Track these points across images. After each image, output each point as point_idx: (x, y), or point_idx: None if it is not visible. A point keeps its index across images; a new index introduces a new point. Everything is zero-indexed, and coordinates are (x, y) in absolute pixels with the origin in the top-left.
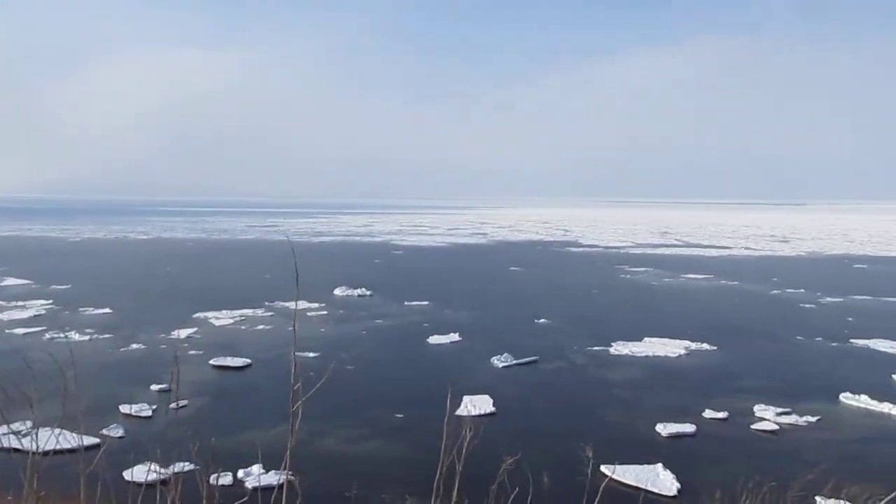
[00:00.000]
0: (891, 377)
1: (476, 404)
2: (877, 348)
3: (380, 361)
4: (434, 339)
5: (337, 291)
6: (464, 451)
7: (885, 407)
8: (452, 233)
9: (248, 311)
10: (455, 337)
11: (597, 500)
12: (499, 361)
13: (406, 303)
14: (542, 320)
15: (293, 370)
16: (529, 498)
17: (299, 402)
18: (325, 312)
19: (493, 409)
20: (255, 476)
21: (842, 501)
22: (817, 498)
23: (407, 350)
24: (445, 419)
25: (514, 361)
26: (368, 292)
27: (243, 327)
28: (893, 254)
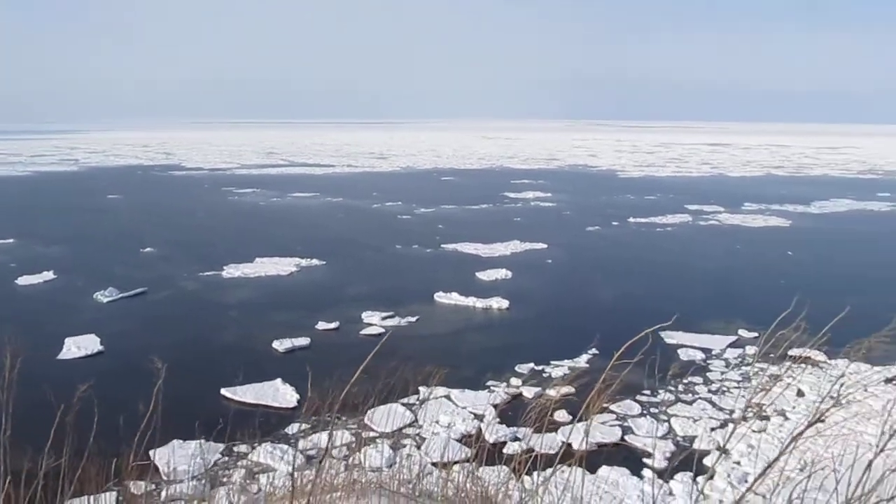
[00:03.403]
0: (475, 275)
1: (81, 345)
2: (464, 251)
3: None
4: (24, 280)
5: None
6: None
7: (471, 301)
8: (37, 161)
9: None
10: (49, 275)
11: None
12: (102, 297)
13: None
14: (149, 249)
15: None
16: (95, 430)
17: None
18: None
19: (101, 347)
20: None
21: (438, 387)
22: (422, 388)
23: None
24: None
25: (121, 295)
26: None
27: None
28: (473, 167)
